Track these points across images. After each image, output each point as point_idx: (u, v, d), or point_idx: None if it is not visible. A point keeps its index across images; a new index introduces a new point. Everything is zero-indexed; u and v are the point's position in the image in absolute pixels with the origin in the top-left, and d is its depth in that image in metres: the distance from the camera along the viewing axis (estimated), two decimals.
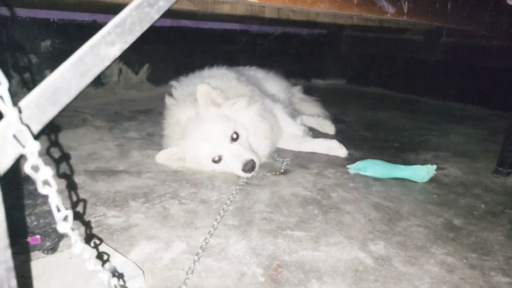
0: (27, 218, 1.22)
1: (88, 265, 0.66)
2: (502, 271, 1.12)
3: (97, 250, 1.07)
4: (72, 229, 0.59)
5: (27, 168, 0.46)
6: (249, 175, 1.69)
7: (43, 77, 2.99)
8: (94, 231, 1.24)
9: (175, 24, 3.65)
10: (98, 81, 3.30)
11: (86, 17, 3.10)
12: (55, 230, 1.16)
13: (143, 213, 1.38)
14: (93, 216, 1.34)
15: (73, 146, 2.06)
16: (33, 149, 0.45)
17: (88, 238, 1.18)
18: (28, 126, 0.43)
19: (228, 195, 1.53)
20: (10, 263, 0.49)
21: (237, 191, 1.57)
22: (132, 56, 3.48)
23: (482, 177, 1.88)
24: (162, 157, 1.78)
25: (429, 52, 4.17)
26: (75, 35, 3.05)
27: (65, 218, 0.56)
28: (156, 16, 0.53)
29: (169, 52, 3.70)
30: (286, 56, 4.67)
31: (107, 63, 0.49)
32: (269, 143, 1.94)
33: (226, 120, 1.75)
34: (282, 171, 1.83)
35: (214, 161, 1.74)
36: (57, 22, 2.98)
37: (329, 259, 1.14)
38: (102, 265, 0.97)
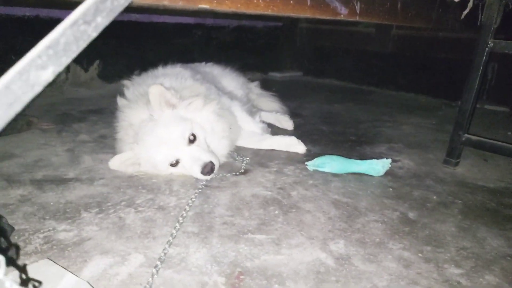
0: None
1: None
2: (454, 263, 1.17)
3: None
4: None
5: None
6: (208, 177, 1.66)
7: None
8: (43, 248, 1.16)
9: (126, 18, 3.49)
10: None
11: (27, 11, 2.88)
12: None
13: (96, 224, 1.31)
14: (42, 231, 1.25)
15: (16, 153, 1.92)
16: None
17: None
18: None
19: (187, 200, 1.49)
20: None
21: (196, 195, 1.53)
22: (81, 52, 3.29)
23: (433, 167, 1.96)
24: (116, 163, 1.70)
25: (381, 44, 4.31)
26: (15, 31, 2.83)
27: None
28: (94, 34, 0.48)
29: (120, 47, 3.54)
30: (242, 50, 4.63)
31: (38, 89, 0.44)
32: (228, 142, 1.90)
33: (182, 121, 1.70)
34: (242, 171, 1.81)
35: (171, 165, 1.69)
36: None
37: (291, 262, 1.14)
38: None
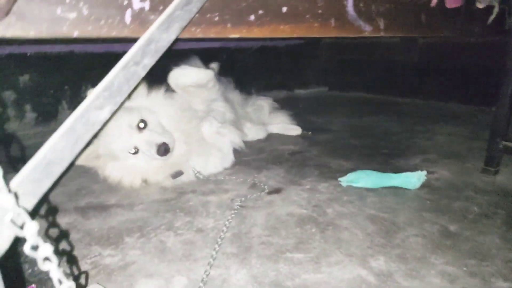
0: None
1: None
2: (502, 276, 1.13)
3: None
4: None
5: (26, 249, 0.45)
6: (165, 157, 1.76)
7: (24, 112, 2.89)
8: (91, 273, 1.21)
9: None
10: None
11: (62, 48, 3.07)
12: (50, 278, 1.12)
13: (139, 249, 1.36)
14: (89, 257, 1.31)
15: (60, 182, 2.02)
16: (31, 230, 0.44)
17: None
18: (24, 208, 0.42)
19: (224, 221, 1.52)
20: None
21: (233, 216, 1.56)
22: None
23: (471, 177, 1.91)
24: (82, 158, 1.80)
25: (406, 53, 4.25)
26: (53, 67, 3.02)
27: None
28: (143, 73, 0.53)
29: (148, 73, 3.69)
30: (267, 69, 4.69)
31: (97, 127, 0.49)
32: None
33: (127, 112, 1.79)
34: (267, 191, 1.82)
35: (131, 153, 1.80)
36: (33, 56, 2.95)
37: (332, 280, 1.14)
38: None
